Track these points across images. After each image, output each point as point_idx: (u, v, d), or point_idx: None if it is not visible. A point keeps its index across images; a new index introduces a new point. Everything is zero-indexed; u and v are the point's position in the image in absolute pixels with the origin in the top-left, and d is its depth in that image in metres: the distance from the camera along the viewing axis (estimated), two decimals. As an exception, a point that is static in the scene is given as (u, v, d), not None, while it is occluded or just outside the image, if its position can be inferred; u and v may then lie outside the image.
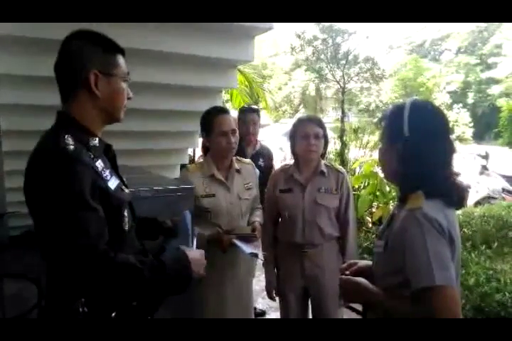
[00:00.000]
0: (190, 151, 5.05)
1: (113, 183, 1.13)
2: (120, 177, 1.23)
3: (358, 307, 2.69)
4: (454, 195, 1.16)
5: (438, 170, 1.16)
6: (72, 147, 1.03)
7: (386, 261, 1.20)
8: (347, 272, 1.36)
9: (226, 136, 2.01)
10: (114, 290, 1.01)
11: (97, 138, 1.16)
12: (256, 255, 1.96)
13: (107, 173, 1.12)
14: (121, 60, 1.19)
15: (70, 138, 1.05)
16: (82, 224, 0.98)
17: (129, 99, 1.23)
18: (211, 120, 2.04)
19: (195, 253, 1.20)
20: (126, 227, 1.17)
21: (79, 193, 0.99)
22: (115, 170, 1.23)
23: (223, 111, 2.12)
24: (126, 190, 1.23)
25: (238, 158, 2.21)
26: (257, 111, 3.13)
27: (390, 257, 1.18)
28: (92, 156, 1.10)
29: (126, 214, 1.17)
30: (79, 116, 1.13)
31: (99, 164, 1.11)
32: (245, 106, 4.15)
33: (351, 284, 1.25)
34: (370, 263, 1.38)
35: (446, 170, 1.19)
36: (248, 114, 3.03)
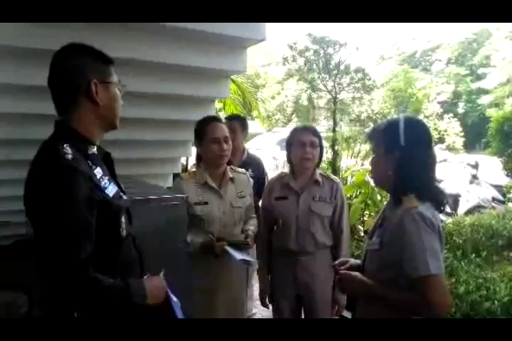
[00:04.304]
0: (183, 160, 5.05)
1: (111, 190, 1.15)
2: (118, 184, 1.25)
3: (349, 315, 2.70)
4: (440, 198, 1.34)
5: (427, 175, 1.35)
6: (70, 156, 1.06)
7: (382, 256, 1.36)
8: (342, 267, 1.50)
9: (218, 143, 2.04)
10: (84, 303, 1.05)
11: (95, 147, 1.20)
12: (248, 262, 1.96)
13: (105, 181, 1.15)
14: (113, 69, 1.25)
15: (68, 148, 1.07)
16: (69, 237, 1.00)
17: None
18: (204, 128, 2.08)
19: (153, 284, 1.20)
20: (124, 233, 1.19)
21: (72, 203, 1.01)
22: (114, 177, 1.26)
23: (216, 119, 2.17)
24: (125, 197, 1.25)
25: (232, 167, 2.23)
26: (237, 119, 2.97)
27: (387, 252, 1.33)
28: (90, 164, 1.13)
29: (123, 220, 1.19)
30: (79, 125, 1.16)
31: (98, 172, 1.14)
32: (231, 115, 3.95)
33: (349, 278, 1.41)
34: (358, 261, 1.54)
35: (432, 175, 1.37)
36: (227, 122, 2.67)
